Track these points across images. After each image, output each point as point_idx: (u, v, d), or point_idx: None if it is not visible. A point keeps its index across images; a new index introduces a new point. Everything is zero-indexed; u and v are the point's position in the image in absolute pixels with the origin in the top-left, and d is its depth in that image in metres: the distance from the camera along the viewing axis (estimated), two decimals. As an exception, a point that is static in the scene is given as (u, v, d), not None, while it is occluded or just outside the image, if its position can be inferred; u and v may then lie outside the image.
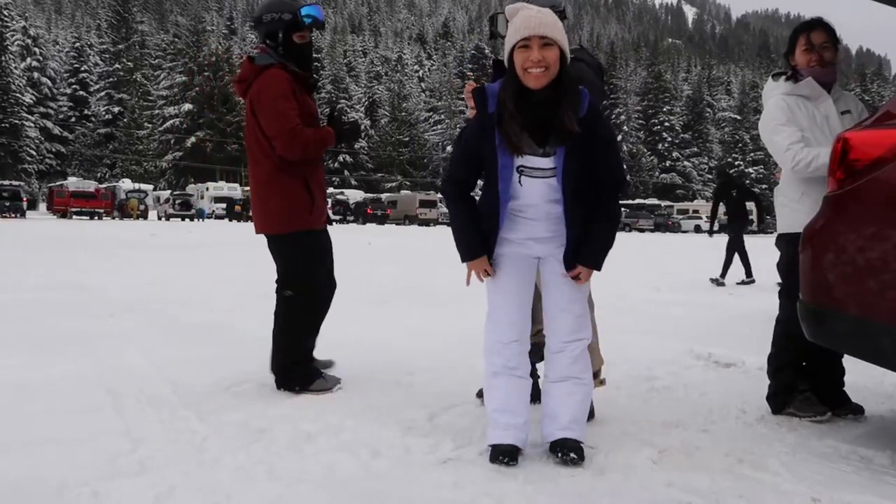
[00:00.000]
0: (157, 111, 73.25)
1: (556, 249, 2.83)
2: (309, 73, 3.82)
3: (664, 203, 64.60)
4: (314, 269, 3.75)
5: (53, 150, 71.01)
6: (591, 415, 3.26)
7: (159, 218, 48.28)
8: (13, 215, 40.33)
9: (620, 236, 2.88)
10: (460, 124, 76.76)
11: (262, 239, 3.84)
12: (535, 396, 3.51)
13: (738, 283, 10.57)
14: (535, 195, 2.76)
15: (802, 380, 3.46)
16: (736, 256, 10.91)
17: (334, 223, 34.88)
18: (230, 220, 46.43)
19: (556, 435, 2.81)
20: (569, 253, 2.80)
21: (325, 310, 3.87)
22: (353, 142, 3.99)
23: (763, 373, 3.83)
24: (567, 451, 2.74)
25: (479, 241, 2.83)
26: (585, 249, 2.79)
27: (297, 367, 3.71)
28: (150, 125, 72.87)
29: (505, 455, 2.74)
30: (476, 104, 2.79)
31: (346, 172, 73.29)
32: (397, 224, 50.57)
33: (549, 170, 2.72)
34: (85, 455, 2.69)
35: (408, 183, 73.73)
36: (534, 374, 3.64)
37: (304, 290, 3.71)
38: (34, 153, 67.08)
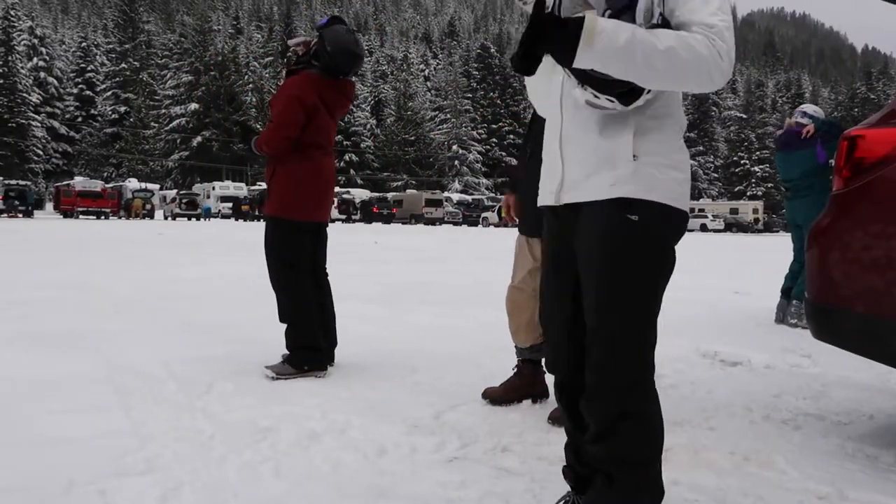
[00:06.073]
0: (163, 111, 73.41)
1: None
2: None
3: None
4: (283, 257, 4.05)
5: (60, 149, 71.33)
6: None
7: (165, 217, 48.40)
8: (20, 215, 40.50)
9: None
10: (466, 123, 76.71)
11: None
12: (543, 394, 3.52)
13: None
14: None
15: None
16: None
17: (338, 221, 34.53)
18: (237, 220, 46.50)
19: None
20: None
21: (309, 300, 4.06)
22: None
23: (769, 371, 3.83)
24: None
25: None
26: None
27: (300, 352, 4.00)
28: (156, 125, 73.03)
29: None
30: None
31: (351, 171, 73.30)
32: (403, 223, 50.59)
33: None
34: (92, 453, 2.70)
35: (413, 182, 73.65)
36: (541, 373, 3.64)
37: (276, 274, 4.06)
38: (41, 153, 67.42)
